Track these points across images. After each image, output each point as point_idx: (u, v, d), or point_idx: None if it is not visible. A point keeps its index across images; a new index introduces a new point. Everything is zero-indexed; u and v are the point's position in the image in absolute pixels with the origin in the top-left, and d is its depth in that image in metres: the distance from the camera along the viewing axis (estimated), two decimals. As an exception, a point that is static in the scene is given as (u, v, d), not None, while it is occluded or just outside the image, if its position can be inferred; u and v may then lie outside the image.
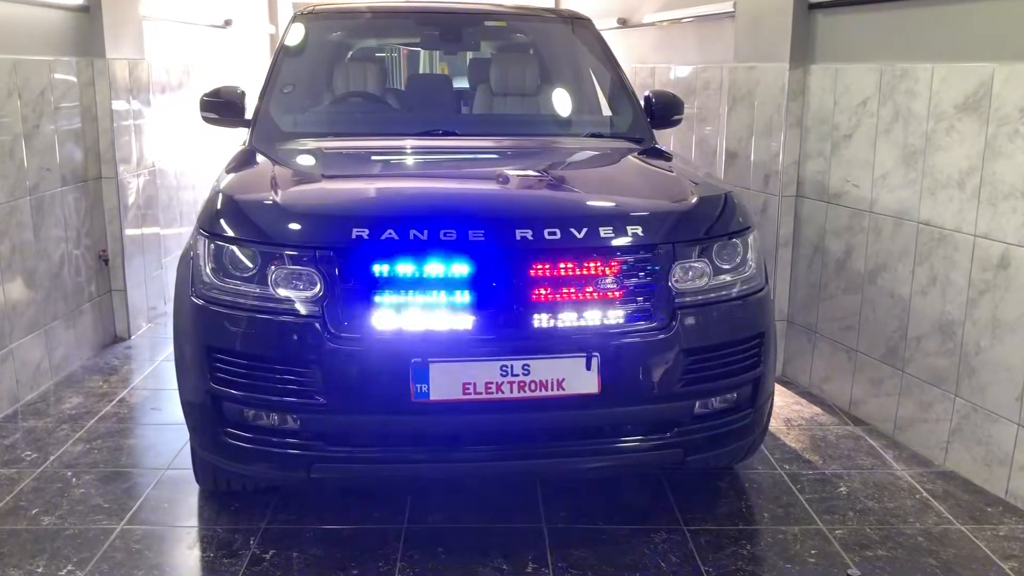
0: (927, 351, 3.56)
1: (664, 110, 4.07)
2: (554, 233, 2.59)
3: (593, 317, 2.59)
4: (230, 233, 2.67)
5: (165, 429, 3.77)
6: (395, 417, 2.54)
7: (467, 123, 3.86)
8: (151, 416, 3.93)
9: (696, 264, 2.72)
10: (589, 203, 2.89)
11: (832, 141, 4.07)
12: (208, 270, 2.67)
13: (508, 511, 3.08)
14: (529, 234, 2.58)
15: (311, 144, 3.52)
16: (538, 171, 3.14)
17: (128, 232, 4.94)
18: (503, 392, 2.50)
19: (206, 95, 3.92)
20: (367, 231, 2.55)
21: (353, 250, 2.55)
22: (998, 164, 3.18)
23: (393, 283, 2.54)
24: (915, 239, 3.59)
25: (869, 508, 3.15)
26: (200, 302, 2.66)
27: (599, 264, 2.61)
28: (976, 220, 3.28)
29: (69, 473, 3.34)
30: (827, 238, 4.14)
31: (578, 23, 4.31)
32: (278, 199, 2.70)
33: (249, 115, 3.88)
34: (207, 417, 2.68)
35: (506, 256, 2.57)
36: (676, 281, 2.68)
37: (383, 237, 2.55)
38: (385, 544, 2.86)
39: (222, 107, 3.85)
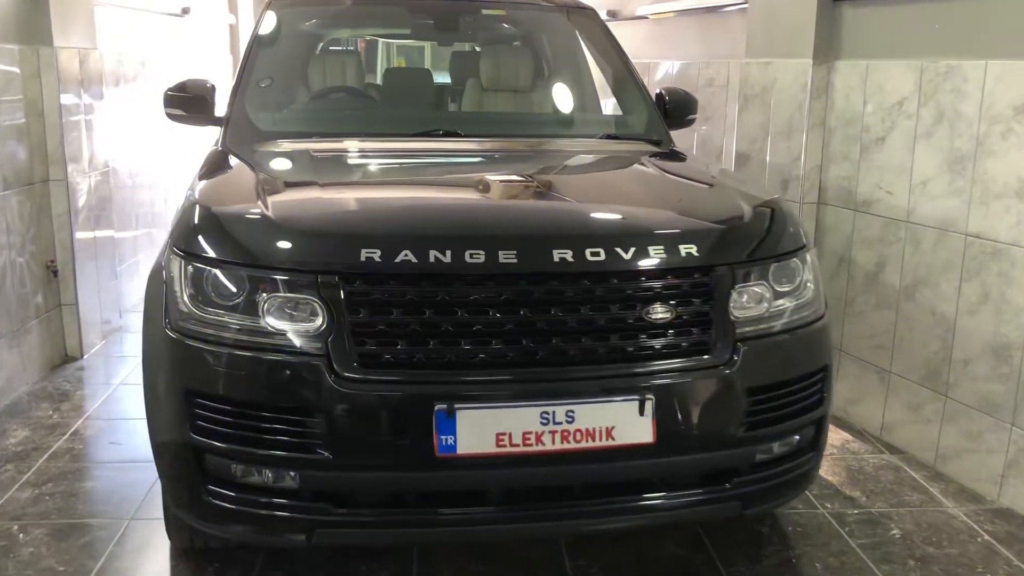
0: (976, 375, 3.25)
1: (678, 109, 3.72)
2: (597, 253, 2.21)
3: (645, 352, 2.22)
4: (211, 253, 2.25)
5: (128, 468, 3.31)
6: (415, 474, 2.14)
7: (469, 123, 3.45)
8: (110, 452, 3.47)
9: (755, 288, 2.36)
10: (635, 218, 2.51)
11: (861, 144, 3.75)
12: (185, 297, 2.24)
13: (530, 566, 2.69)
14: (569, 255, 2.20)
15: (295, 146, 3.09)
16: (567, 180, 2.76)
17: (79, 238, 4.45)
18: (543, 444, 2.11)
19: (171, 90, 3.47)
20: (379, 252, 2.15)
21: (363, 275, 2.15)
22: (1067, 172, 2.87)
23: (411, 314, 2.14)
24: (962, 253, 3.28)
25: (930, 556, 2.82)
26: (176, 336, 2.23)
27: (649, 289, 2.24)
28: (1040, 233, 2.98)
29: (15, 527, 2.88)
30: (854, 249, 3.82)
31: (585, 14, 3.93)
32: (269, 213, 2.28)
33: (220, 112, 3.44)
34: (185, 471, 2.25)
35: (543, 281, 2.18)
36: (735, 308, 2.31)
37: (398, 259, 2.15)
38: (394, 613, 2.46)
39: (189, 103, 3.41)
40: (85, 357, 4.51)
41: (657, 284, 2.24)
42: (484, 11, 3.84)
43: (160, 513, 2.69)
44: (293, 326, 2.16)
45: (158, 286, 2.38)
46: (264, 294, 2.18)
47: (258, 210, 2.32)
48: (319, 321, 2.14)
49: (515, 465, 2.13)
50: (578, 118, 3.75)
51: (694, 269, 2.28)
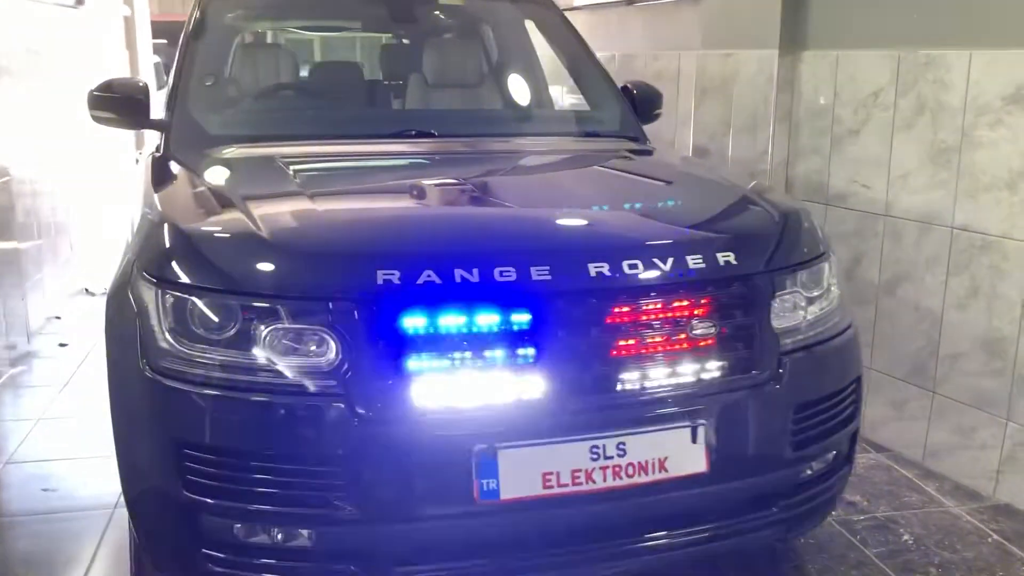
0: (967, 370, 3.20)
1: (646, 103, 3.53)
2: (635, 266, 2.01)
3: (692, 372, 2.02)
4: (194, 281, 1.94)
5: (69, 519, 2.92)
6: (453, 524, 1.89)
7: (446, 121, 3.18)
8: (44, 501, 3.07)
9: (790, 296, 2.20)
10: (670, 225, 2.31)
11: (832, 137, 3.66)
12: (165, 331, 1.93)
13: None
14: (606, 268, 1.98)
15: (255, 152, 2.77)
16: (582, 185, 2.54)
17: (-18, 258, 3.97)
18: (594, 482, 1.89)
19: (97, 90, 3.07)
20: (398, 273, 1.88)
21: (381, 300, 1.88)
22: (1063, 163, 2.83)
23: (438, 342, 1.89)
24: (948, 246, 3.22)
25: (948, 561, 2.74)
26: (158, 377, 1.91)
27: (691, 302, 2.05)
28: (1033, 226, 2.93)
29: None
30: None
31: (546, 6, 3.71)
32: (262, 231, 1.98)
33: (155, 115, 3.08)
34: (175, 532, 1.95)
35: (581, 298, 1.96)
36: (775, 319, 2.15)
37: (420, 280, 1.89)
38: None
39: (120, 105, 3.02)
40: (-7, 388, 4.04)
41: (699, 296, 2.05)
42: (442, 1, 3.57)
43: (121, 572, 2.35)
44: (300, 361, 1.88)
45: (123, 315, 2.05)
46: (262, 326, 1.88)
47: (246, 228, 2.01)
48: (331, 355, 1.87)
49: (563, 507, 1.91)
50: (557, 115, 3.53)
51: (733, 279, 2.10)
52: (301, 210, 2.16)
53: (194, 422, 1.88)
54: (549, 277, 1.94)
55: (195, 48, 3.15)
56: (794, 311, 2.20)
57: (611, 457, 1.90)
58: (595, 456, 1.89)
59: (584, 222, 2.29)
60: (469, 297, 1.90)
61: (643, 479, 1.93)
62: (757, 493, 2.13)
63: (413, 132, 2.98)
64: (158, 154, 2.93)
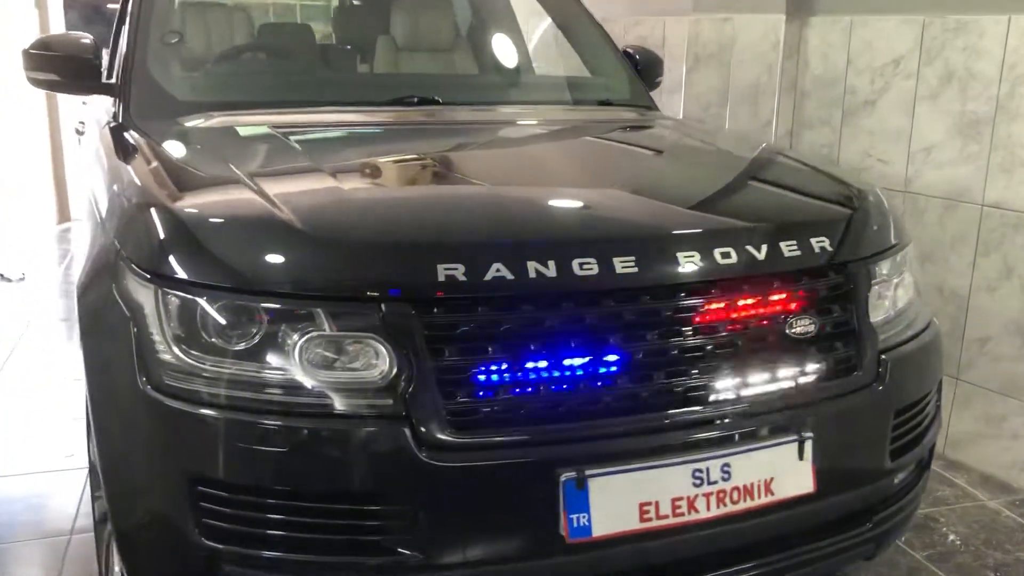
0: (997, 356, 3.03)
1: (649, 71, 3.25)
2: (728, 255, 1.72)
3: (794, 377, 1.75)
4: (204, 279, 1.57)
5: (14, 550, 2.50)
6: (538, 569, 1.57)
7: (449, 87, 2.81)
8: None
9: (883, 287, 1.95)
10: (757, 207, 2.02)
11: (844, 107, 3.44)
12: (169, 340, 1.56)
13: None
14: (697, 258, 1.69)
15: (242, 120, 2.38)
16: (643, 160, 2.25)
17: None
18: (697, 511, 1.61)
19: (32, 48, 2.63)
20: (463, 268, 1.55)
21: (443, 301, 1.55)
22: (1114, 136, 2.65)
23: (512, 349, 1.57)
24: (977, 225, 3.04)
25: (1003, 563, 2.57)
26: (161, 397, 1.54)
27: (788, 295, 1.77)
28: (1078, 203, 2.76)
29: None
30: (836, 222, 3.52)
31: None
32: (292, 218, 1.62)
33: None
34: (187, 589, 1.58)
35: (670, 294, 1.66)
36: (872, 313, 1.89)
37: (489, 276, 1.56)
38: None
39: (63, 65, 2.59)
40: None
41: (797, 289, 1.78)
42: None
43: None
44: (345, 376, 1.53)
45: (109, 320, 1.68)
46: (294, 333, 1.53)
47: (268, 213, 1.65)
48: (383, 367, 1.53)
49: (658, 540, 1.61)
50: (566, 82, 3.18)
51: (829, 268, 1.84)
52: (327, 191, 1.79)
53: (213, 453, 1.51)
54: (635, 270, 1.64)
55: (150, 2, 2.71)
56: (886, 304, 1.95)
57: (715, 482, 1.62)
58: (698, 481, 1.60)
59: (667, 205, 1.99)
60: (546, 295, 1.59)
61: (747, 505, 1.65)
62: (855, 509, 1.88)
63: (415, 99, 2.61)
64: (114, 123, 2.51)
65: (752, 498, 1.65)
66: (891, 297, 1.96)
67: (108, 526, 2.03)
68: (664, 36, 4.23)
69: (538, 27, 3.71)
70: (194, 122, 2.36)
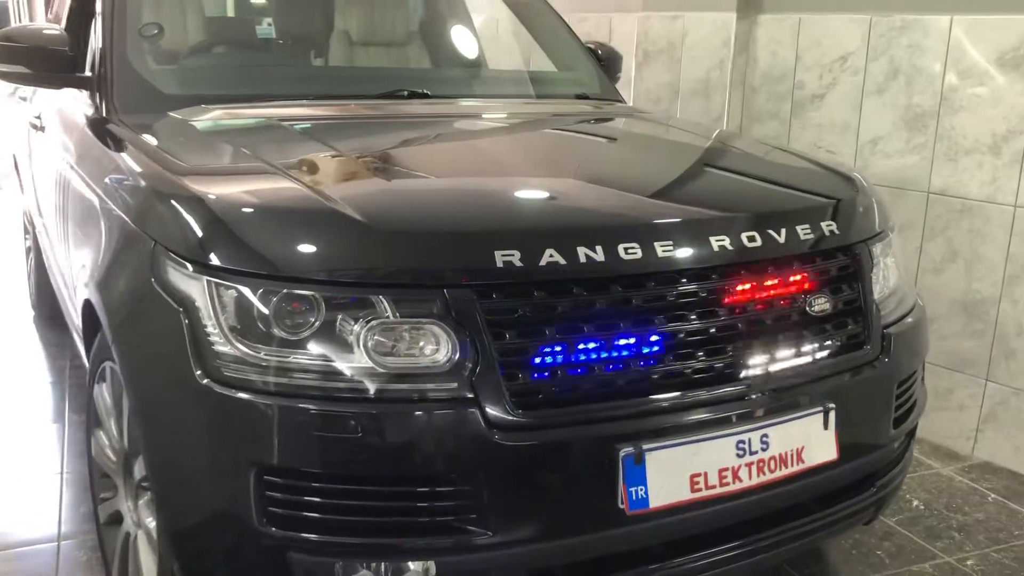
0: (944, 334, 3.25)
1: (610, 66, 3.36)
2: (753, 238, 1.82)
3: (817, 352, 1.87)
4: (257, 269, 1.58)
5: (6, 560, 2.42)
6: (599, 538, 1.64)
7: (433, 81, 2.84)
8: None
9: (881, 268, 2.09)
10: (772, 193, 2.13)
11: (793, 102, 3.62)
12: (227, 332, 1.56)
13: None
14: (727, 242, 1.78)
15: (249, 112, 2.36)
16: (661, 149, 2.34)
17: None
18: (740, 480, 1.70)
19: (2, 39, 2.54)
20: (519, 254, 1.61)
21: (502, 286, 1.59)
22: (1051, 127, 2.88)
23: (568, 331, 1.63)
24: (924, 211, 3.25)
25: (965, 524, 2.76)
26: (220, 388, 1.54)
27: (807, 276, 1.89)
28: (1018, 190, 2.98)
29: None
30: (787, 211, 3.70)
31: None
32: (348, 209, 1.63)
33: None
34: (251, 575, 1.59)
35: (705, 276, 1.76)
36: (876, 292, 2.03)
37: (543, 262, 1.62)
38: None
39: (35, 57, 2.52)
40: None
41: (813, 270, 1.90)
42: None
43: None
44: (408, 361, 1.56)
45: (153, 312, 1.66)
46: (354, 321, 1.55)
47: (318, 202, 1.66)
48: (447, 352, 1.57)
49: (706, 509, 1.70)
50: (546, 77, 3.26)
51: (838, 249, 1.96)
52: (372, 176, 1.81)
53: (279, 441, 1.52)
54: (673, 253, 1.72)
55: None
56: (884, 283, 2.09)
57: (755, 452, 1.72)
58: (741, 452, 1.70)
59: (696, 192, 2.08)
60: (595, 278, 1.65)
61: (784, 472, 1.76)
62: (863, 475, 2.01)
63: (405, 92, 2.64)
64: (97, 116, 2.46)
65: (787, 466, 1.76)
66: (884, 278, 2.10)
67: (125, 526, 2.01)
68: (611, 32, 4.34)
69: (500, 23, 3.77)
70: (192, 115, 2.32)
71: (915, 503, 2.88)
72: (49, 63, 2.53)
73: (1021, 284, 3.00)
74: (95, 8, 2.68)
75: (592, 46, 3.37)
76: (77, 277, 2.28)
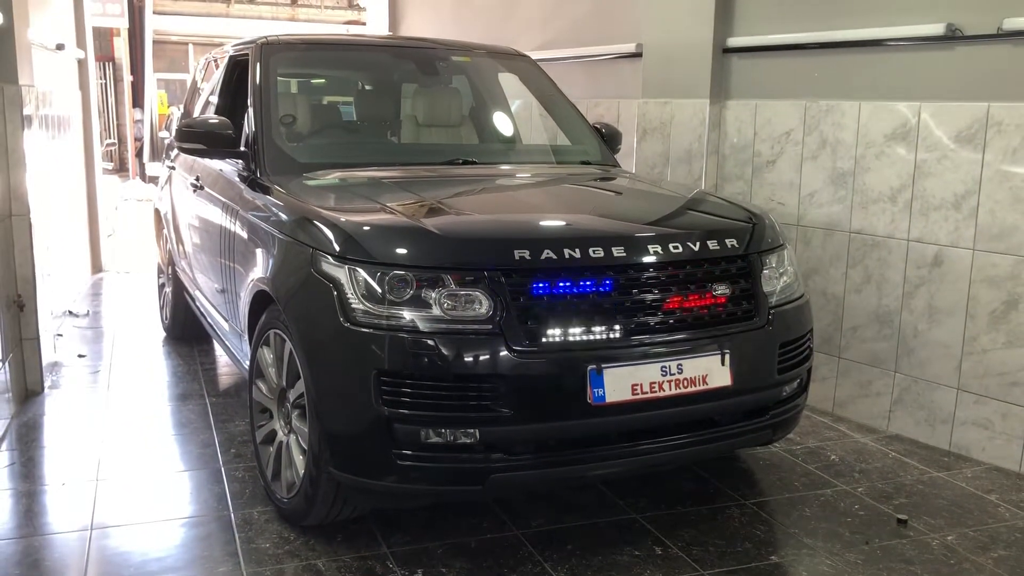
0: (864, 338, 4.29)
1: (611, 140, 4.53)
2: (677, 247, 2.94)
3: (719, 318, 2.96)
4: (377, 259, 2.73)
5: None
6: (575, 421, 2.73)
7: (479, 152, 4.10)
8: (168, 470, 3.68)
9: (769, 271, 3.18)
10: (693, 220, 3.27)
11: (753, 166, 4.74)
12: (360, 296, 2.70)
13: (597, 508, 3.33)
14: (659, 248, 2.90)
15: (357, 174, 3.58)
16: (630, 194, 3.53)
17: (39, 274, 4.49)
18: (663, 390, 2.79)
19: (187, 126, 3.78)
20: (528, 252, 2.75)
21: (518, 270, 2.73)
22: (928, 182, 3.96)
23: (558, 298, 2.75)
24: (847, 246, 4.33)
25: (866, 470, 3.77)
26: (359, 328, 2.68)
27: (715, 272, 2.99)
28: (909, 227, 4.06)
29: (131, 529, 3.10)
30: (751, 249, 4.80)
31: (527, 60, 4.66)
32: (429, 226, 2.80)
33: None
34: (374, 442, 2.70)
35: (645, 268, 2.87)
36: (764, 285, 3.12)
37: (543, 257, 2.75)
38: (520, 549, 3.01)
39: (213, 139, 3.74)
40: (46, 391, 4.54)
41: (718, 268, 3.00)
42: (453, 58, 4.47)
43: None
44: (463, 313, 2.69)
45: (314, 287, 2.81)
46: (434, 290, 2.69)
47: (409, 222, 2.83)
48: (484, 308, 2.69)
49: (644, 409, 2.79)
50: (558, 148, 4.49)
51: (737, 256, 3.06)
52: (442, 209, 2.99)
53: (389, 357, 2.65)
54: (624, 254, 2.84)
55: (266, 89, 3.86)
56: (772, 281, 3.17)
57: (674, 374, 2.80)
58: (664, 372, 2.79)
59: (641, 217, 3.23)
60: (574, 267, 2.78)
61: (693, 389, 2.84)
62: (757, 405, 3.08)
63: (460, 160, 3.85)
64: (251, 177, 3.65)
65: (695, 385, 2.84)
66: (776, 278, 3.19)
67: (278, 439, 3.14)
68: (618, 114, 5.53)
69: (528, 108, 4.97)
70: (321, 175, 3.53)
71: (832, 457, 3.91)
72: (218, 141, 3.75)
73: (915, 298, 4.05)
74: (247, 103, 3.91)
75: (599, 126, 4.55)
76: (242, 283, 3.47)
